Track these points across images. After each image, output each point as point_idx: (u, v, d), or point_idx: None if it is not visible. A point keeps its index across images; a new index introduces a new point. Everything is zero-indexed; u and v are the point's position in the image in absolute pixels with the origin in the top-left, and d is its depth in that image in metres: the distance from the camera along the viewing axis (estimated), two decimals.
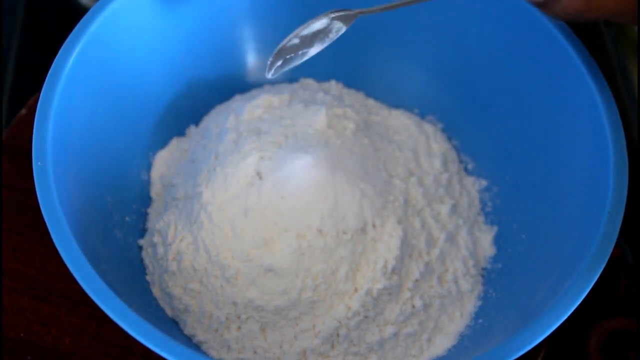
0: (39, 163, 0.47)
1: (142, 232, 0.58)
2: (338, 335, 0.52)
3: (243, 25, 0.62)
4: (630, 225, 0.50)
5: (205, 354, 0.52)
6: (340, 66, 0.64)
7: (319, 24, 0.50)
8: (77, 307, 0.57)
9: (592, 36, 0.54)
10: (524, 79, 0.57)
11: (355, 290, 0.52)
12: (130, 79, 0.57)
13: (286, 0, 0.62)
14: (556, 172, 0.55)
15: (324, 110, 0.57)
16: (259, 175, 0.53)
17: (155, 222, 0.57)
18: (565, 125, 0.55)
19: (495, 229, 0.60)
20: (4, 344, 0.55)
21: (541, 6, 0.46)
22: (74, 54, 0.51)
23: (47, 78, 0.50)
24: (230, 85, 0.63)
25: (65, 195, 0.47)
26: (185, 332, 0.53)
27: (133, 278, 0.55)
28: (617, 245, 0.47)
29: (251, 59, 0.64)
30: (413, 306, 0.53)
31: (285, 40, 0.51)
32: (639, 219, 0.58)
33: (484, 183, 0.62)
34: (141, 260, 0.57)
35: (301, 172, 0.52)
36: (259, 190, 0.52)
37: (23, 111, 0.64)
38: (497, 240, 0.59)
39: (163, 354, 0.42)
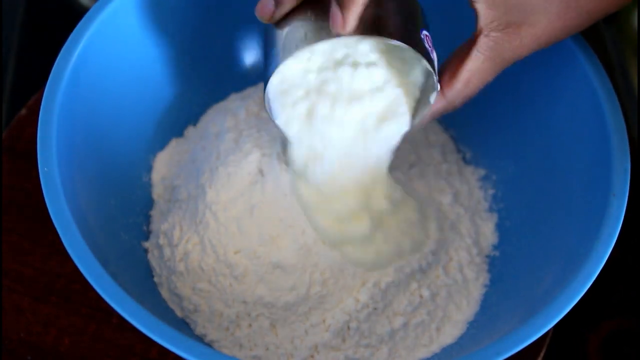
0: (45, 169, 0.47)
1: (146, 234, 0.58)
2: (349, 328, 0.52)
3: (239, 23, 0.62)
4: (630, 225, 0.50)
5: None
6: None
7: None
8: (77, 308, 0.57)
9: (591, 36, 0.54)
10: (518, 66, 0.57)
11: (363, 283, 0.52)
12: (129, 80, 0.57)
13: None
14: (555, 158, 0.55)
15: None
16: (261, 172, 0.53)
17: (159, 224, 0.57)
18: (563, 112, 0.55)
19: (496, 216, 0.60)
20: (3, 344, 0.55)
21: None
22: (74, 57, 0.51)
23: (48, 83, 0.50)
24: (226, 84, 0.63)
25: (72, 199, 0.47)
26: (197, 332, 0.53)
27: (141, 280, 0.55)
28: (617, 245, 0.47)
29: (245, 58, 0.64)
30: (421, 296, 0.54)
31: None
32: (639, 219, 0.58)
33: (483, 172, 0.62)
34: (147, 262, 0.56)
35: None
36: (263, 188, 0.52)
37: (23, 111, 0.64)
38: (500, 228, 0.59)
39: (183, 354, 0.42)
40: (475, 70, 0.48)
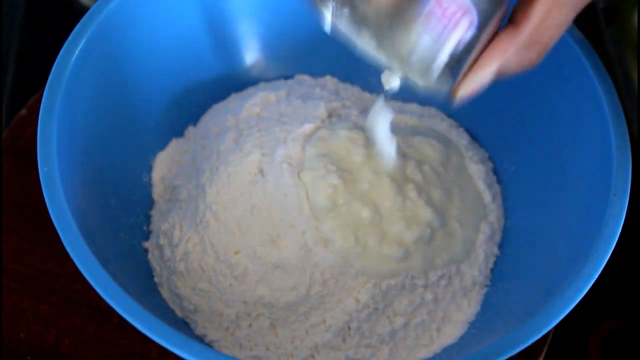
0: (45, 168, 0.47)
1: (146, 234, 0.58)
2: (349, 328, 0.52)
3: (239, 23, 0.62)
4: (630, 225, 0.50)
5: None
6: (335, 62, 0.64)
7: None
8: (77, 308, 0.57)
9: (592, 34, 0.54)
10: None
11: (364, 283, 0.52)
12: (130, 80, 0.57)
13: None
14: (556, 158, 0.55)
15: (323, 104, 0.57)
16: (261, 172, 0.53)
17: (159, 223, 0.57)
18: (563, 112, 0.55)
19: None
20: (3, 344, 0.55)
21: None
22: (74, 57, 0.51)
23: (48, 83, 0.50)
24: (226, 84, 0.64)
25: (72, 199, 0.47)
26: (197, 332, 0.53)
27: (141, 280, 0.55)
28: (617, 245, 0.47)
29: (246, 57, 0.64)
30: (422, 298, 0.53)
31: None
32: (639, 220, 0.58)
33: (483, 172, 0.62)
34: (147, 262, 0.56)
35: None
36: (263, 188, 0.52)
37: (23, 111, 0.64)
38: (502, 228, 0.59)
39: (183, 354, 0.42)
40: None
